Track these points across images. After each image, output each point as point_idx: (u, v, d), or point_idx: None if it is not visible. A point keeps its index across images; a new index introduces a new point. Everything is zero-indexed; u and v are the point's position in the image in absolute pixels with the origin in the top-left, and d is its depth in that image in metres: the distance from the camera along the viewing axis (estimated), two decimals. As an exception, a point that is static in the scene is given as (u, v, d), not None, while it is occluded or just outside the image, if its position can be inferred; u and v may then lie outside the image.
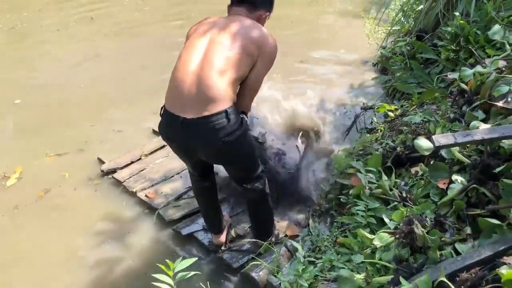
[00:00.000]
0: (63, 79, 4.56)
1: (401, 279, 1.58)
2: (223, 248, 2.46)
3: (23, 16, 6.45)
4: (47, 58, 5.10)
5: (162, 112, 2.10)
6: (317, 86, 4.29)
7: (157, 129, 3.45)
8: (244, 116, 2.08)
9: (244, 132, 2.04)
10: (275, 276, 2.09)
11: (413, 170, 2.32)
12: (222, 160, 2.20)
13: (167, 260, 1.46)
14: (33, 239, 2.63)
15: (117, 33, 5.77)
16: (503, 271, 1.39)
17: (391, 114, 2.99)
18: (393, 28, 4.33)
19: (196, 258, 1.53)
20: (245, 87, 2.07)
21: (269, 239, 2.40)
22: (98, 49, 5.33)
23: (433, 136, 1.62)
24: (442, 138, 1.62)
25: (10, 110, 4.04)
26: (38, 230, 2.70)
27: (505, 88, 1.95)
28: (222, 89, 1.92)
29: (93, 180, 3.08)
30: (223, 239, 2.48)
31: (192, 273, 1.50)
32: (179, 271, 1.47)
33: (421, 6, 3.95)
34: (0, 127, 3.79)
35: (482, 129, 1.69)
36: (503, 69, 2.27)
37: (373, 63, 4.54)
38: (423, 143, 1.97)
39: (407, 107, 2.99)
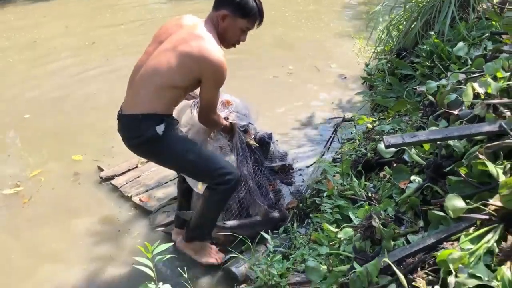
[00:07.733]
0: (68, 92, 4.85)
1: (355, 264, 1.77)
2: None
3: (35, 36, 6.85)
4: (51, 75, 5.38)
5: None
6: (303, 99, 4.56)
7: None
8: (161, 126, 2.07)
9: (156, 141, 2.08)
10: (252, 269, 2.28)
11: (381, 174, 2.53)
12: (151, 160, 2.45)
13: (145, 243, 1.66)
14: (26, 240, 2.82)
15: (122, 51, 6.08)
16: (438, 253, 1.59)
17: (369, 125, 3.21)
18: (379, 47, 4.59)
19: (173, 243, 1.72)
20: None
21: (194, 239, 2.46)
22: (105, 61, 5.64)
23: (384, 137, 1.83)
24: (391, 139, 1.82)
25: (20, 124, 4.28)
26: (32, 231, 2.89)
27: (453, 96, 2.17)
28: (144, 95, 2.08)
29: (92, 186, 3.31)
30: (181, 233, 2.54)
31: (168, 256, 1.71)
32: (157, 253, 1.66)
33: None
34: (11, 139, 4.06)
35: (427, 131, 1.90)
36: (462, 81, 2.49)
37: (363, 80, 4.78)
38: (384, 146, 2.18)
39: (384, 118, 3.21)
